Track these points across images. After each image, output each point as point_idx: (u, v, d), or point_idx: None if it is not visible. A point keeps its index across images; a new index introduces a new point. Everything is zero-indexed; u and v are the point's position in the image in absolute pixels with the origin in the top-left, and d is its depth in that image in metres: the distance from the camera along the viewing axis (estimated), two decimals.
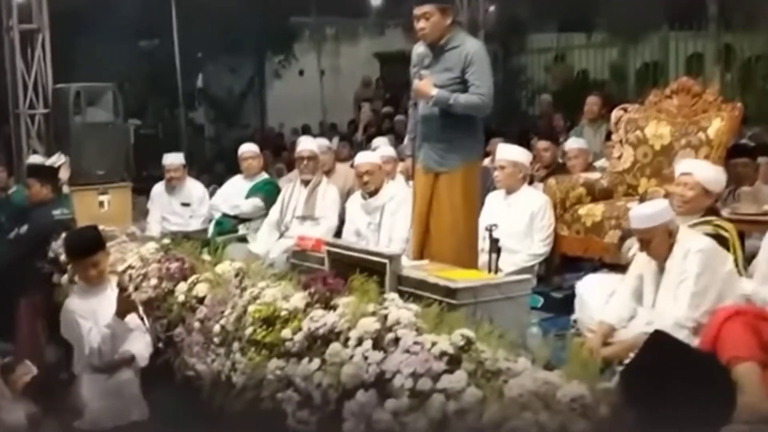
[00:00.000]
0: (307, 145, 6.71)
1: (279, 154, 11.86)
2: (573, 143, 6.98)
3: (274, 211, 6.58)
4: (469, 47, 4.76)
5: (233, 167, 9.76)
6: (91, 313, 4.34)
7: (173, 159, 7.65)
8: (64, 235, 5.36)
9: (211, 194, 7.81)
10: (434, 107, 4.79)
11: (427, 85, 4.75)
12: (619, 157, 6.02)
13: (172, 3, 12.62)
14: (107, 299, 4.36)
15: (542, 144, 7.14)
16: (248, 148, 7.35)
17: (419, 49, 4.90)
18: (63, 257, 6.08)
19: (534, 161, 6.51)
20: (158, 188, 7.75)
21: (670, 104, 5.95)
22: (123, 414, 4.22)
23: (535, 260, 5.58)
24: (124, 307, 4.31)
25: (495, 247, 4.72)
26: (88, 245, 4.47)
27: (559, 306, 5.06)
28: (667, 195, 4.73)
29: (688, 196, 4.47)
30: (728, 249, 4.21)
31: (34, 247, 6.41)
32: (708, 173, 4.55)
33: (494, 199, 5.76)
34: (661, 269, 4.10)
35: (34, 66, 8.47)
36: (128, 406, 4.25)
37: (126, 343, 4.32)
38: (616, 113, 6.16)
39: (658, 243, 4.05)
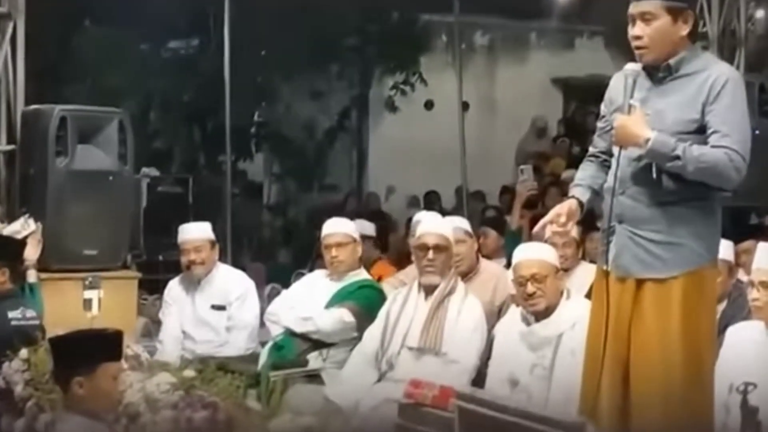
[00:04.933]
0: (432, 226, 6.77)
1: (383, 238, 11.97)
2: None
3: (373, 335, 6.65)
4: (717, 73, 4.86)
5: (306, 256, 9.90)
6: None
7: (195, 233, 7.95)
8: (45, 340, 5.63)
9: (269, 298, 7.93)
10: (645, 164, 4.84)
11: (638, 122, 4.81)
12: None
13: None
14: None
15: None
16: (336, 230, 7.45)
17: (630, 68, 4.97)
18: (19, 389, 6.24)
19: None
20: (175, 285, 7.98)
21: None
22: None
23: None
24: None
25: (752, 422, 4.62)
26: (117, 341, 4.99)
27: None
28: None
29: None
30: None
31: None
32: None
33: (748, 338, 5.63)
34: None
35: None
36: None
37: None
38: None
39: None
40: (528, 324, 6.07)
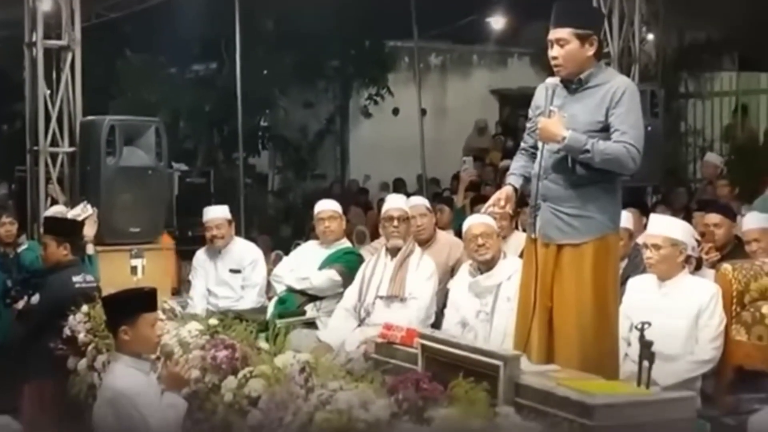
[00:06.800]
0: (396, 202, 6.79)
1: (365, 212, 12.00)
2: (754, 220, 6.82)
3: (352, 291, 6.61)
4: (618, 84, 4.89)
5: (302, 230, 9.85)
6: (152, 393, 4.75)
7: (216, 213, 7.94)
8: (102, 298, 5.58)
9: (274, 262, 7.91)
10: (562, 155, 4.86)
11: (556, 123, 4.83)
12: None
13: (236, 18, 12.88)
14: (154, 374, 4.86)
15: (713, 218, 7.02)
16: (327, 207, 7.39)
17: (550, 82, 5.00)
18: (82, 336, 6.23)
19: (703, 240, 6.38)
20: (201, 254, 7.96)
21: None
22: None
23: (701, 369, 5.43)
24: (174, 381, 4.88)
25: (647, 353, 4.60)
26: (152, 297, 4.97)
27: None
28: None
29: None
30: None
31: (46, 321, 6.57)
32: None
33: (643, 288, 5.66)
34: None
35: (60, 92, 8.78)
36: None
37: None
38: None
39: None
40: (474, 276, 6.08)
